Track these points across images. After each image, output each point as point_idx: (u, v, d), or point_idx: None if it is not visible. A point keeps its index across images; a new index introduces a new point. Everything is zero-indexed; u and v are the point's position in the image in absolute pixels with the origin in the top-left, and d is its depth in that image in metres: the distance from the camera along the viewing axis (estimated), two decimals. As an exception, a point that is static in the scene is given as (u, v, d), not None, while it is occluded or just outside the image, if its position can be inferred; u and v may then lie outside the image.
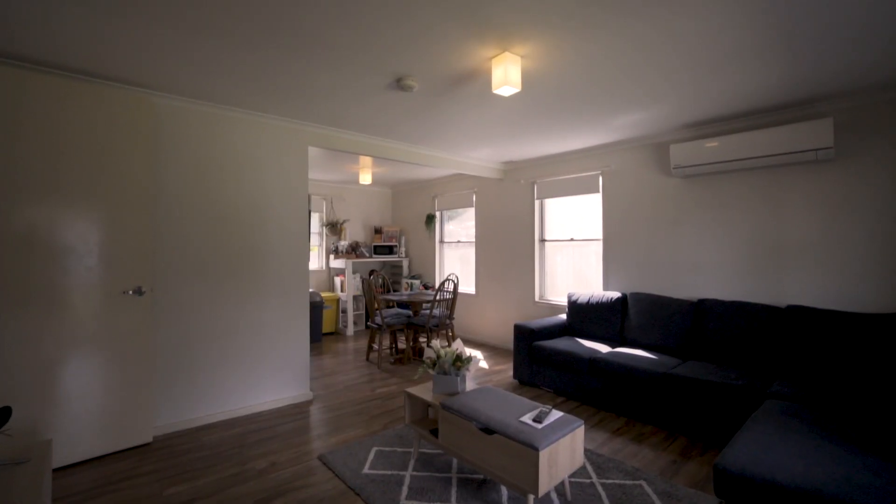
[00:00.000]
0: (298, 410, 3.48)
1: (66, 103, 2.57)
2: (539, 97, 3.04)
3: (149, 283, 2.83)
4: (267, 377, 3.50)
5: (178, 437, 2.97)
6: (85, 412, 2.61)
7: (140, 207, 2.81)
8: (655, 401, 3.19)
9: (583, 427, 2.21)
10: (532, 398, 3.77)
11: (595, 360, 3.52)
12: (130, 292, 2.76)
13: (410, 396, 2.65)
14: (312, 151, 4.67)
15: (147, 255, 2.83)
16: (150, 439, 2.84)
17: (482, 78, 2.70)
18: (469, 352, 2.52)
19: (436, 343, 2.68)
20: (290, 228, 3.65)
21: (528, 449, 1.97)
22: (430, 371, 2.63)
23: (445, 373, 2.58)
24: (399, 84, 2.77)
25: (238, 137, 3.36)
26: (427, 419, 2.75)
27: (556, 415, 2.21)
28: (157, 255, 3.00)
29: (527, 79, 2.70)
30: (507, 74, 2.37)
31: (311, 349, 5.54)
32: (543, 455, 1.95)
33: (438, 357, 2.59)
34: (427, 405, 2.77)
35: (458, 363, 2.55)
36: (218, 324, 3.25)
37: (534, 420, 2.12)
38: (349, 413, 3.43)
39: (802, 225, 3.29)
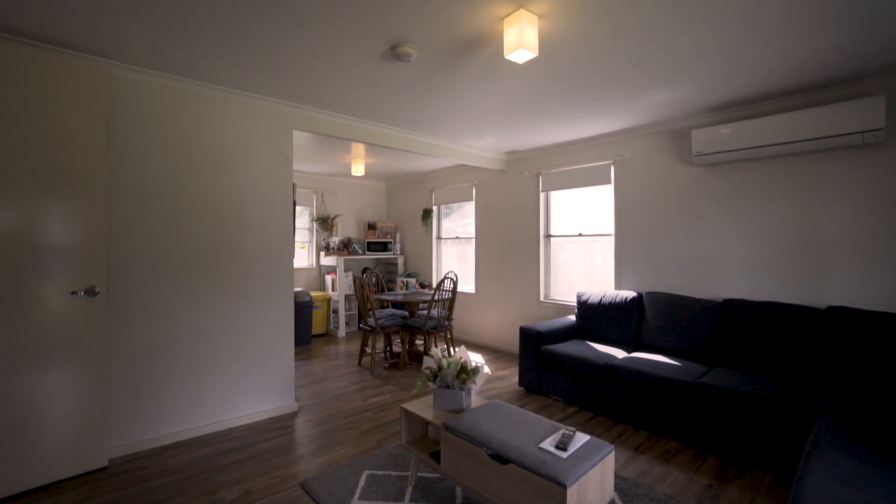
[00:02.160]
0: (281, 425, 3.10)
1: (5, 72, 2.17)
2: (555, 69, 2.68)
3: (104, 281, 2.44)
4: (245, 388, 3.12)
5: (138, 459, 2.59)
6: (23, 434, 2.22)
7: (93, 194, 2.41)
8: (681, 413, 2.85)
9: (613, 453, 1.86)
10: (540, 408, 3.42)
11: (612, 367, 3.18)
12: (81, 293, 2.36)
13: (407, 414, 2.29)
14: (299, 138, 4.28)
15: (102, 250, 2.44)
16: (104, 463, 2.45)
17: (491, 45, 2.34)
18: (474, 361, 2.15)
19: (436, 351, 2.31)
20: (273, 221, 3.27)
21: (552, 485, 1.61)
22: (430, 384, 2.26)
23: (448, 386, 2.22)
24: (394, 52, 2.40)
25: (211, 117, 2.97)
26: (426, 438, 2.39)
27: (581, 439, 1.85)
28: (116, 250, 2.61)
29: (543, 44, 2.34)
30: (522, 36, 2.00)
31: (299, 353, 5.16)
32: (572, 492, 1.59)
33: (440, 368, 2.23)
34: (427, 423, 2.40)
35: (464, 375, 2.19)
36: (188, 328, 2.87)
37: (557, 446, 1.77)
38: (338, 427, 3.06)
39: (844, 217, 2.95)
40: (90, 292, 2.38)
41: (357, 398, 3.64)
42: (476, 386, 2.25)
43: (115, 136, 2.61)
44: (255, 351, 3.17)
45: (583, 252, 4.60)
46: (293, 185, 3.39)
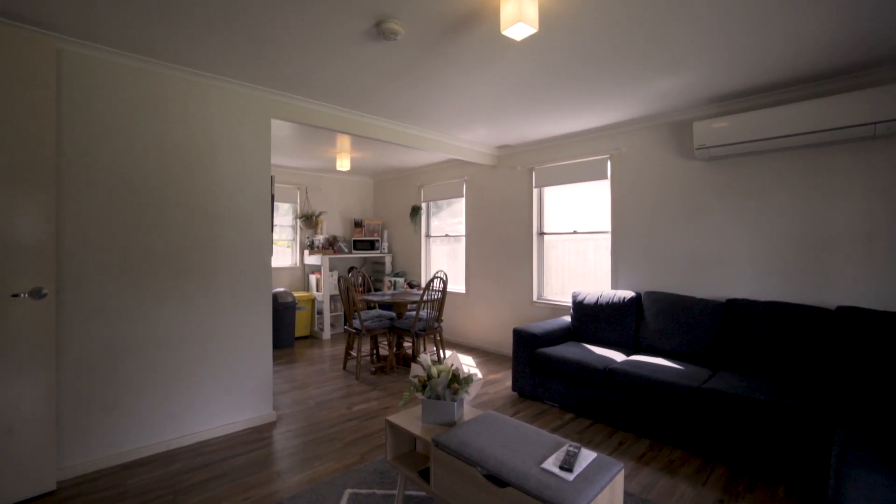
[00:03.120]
0: (257, 437, 2.87)
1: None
2: (552, 52, 2.49)
3: (53, 282, 2.18)
4: (218, 396, 2.87)
5: (93, 480, 2.33)
6: (-43, 455, 1.95)
7: (39, 182, 2.15)
8: (685, 420, 2.68)
9: (622, 473, 1.67)
10: (535, 415, 3.23)
11: (612, 372, 3.00)
12: (24, 295, 2.10)
13: (393, 427, 2.07)
14: (281, 130, 4.03)
15: (50, 247, 2.18)
16: (52, 487, 2.19)
17: (485, 22, 2.13)
18: (467, 367, 1.95)
19: (425, 358, 2.10)
20: (250, 217, 3.02)
21: (557, 513, 1.41)
22: (419, 395, 2.05)
23: (438, 397, 2.01)
24: (379, 29, 2.18)
25: (179, 103, 2.72)
26: (414, 453, 2.18)
27: (587, 457, 1.66)
28: (70, 246, 2.35)
29: (543, 21, 2.14)
30: (521, 8, 1.80)
31: (281, 356, 4.90)
32: (579, 522, 1.40)
33: (429, 377, 2.02)
34: (415, 437, 2.19)
35: (455, 385, 1.98)
36: (154, 332, 2.61)
37: (561, 467, 1.57)
38: (320, 439, 2.83)
39: (853, 213, 2.82)
40: (36, 294, 2.12)
41: (341, 405, 3.41)
42: (469, 396, 2.05)
43: (70, 120, 2.35)
44: (230, 356, 2.92)
45: (576, 250, 4.43)
46: (271, 177, 3.15)
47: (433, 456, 1.84)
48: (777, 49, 2.41)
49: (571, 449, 1.67)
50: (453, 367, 2.11)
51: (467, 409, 2.20)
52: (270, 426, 3.03)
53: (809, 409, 2.27)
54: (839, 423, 2.13)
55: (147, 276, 2.59)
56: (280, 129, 3.99)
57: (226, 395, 2.90)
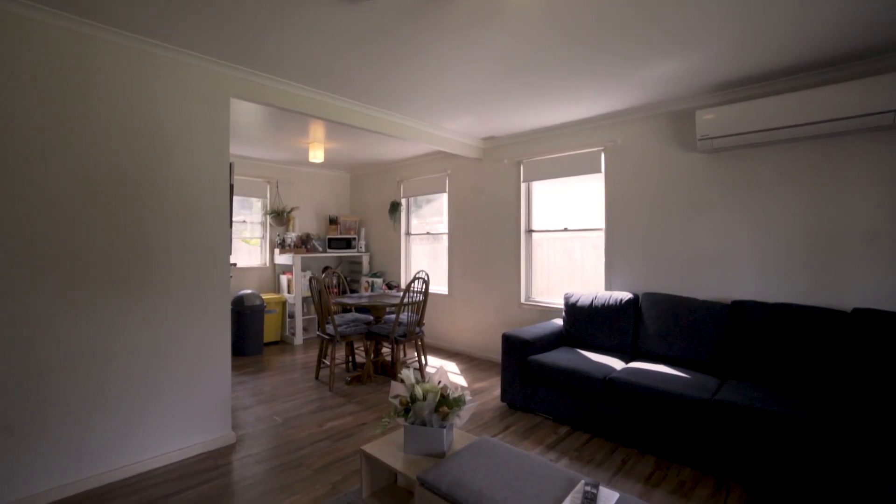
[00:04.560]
0: (211, 464, 2.47)
1: None
2: (544, 27, 2.19)
3: (-57, 287, 1.75)
4: (164, 418, 2.46)
5: (-1, 529, 1.91)
6: None
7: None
8: (695, 435, 2.43)
9: (650, 516, 1.38)
10: (528, 429, 2.94)
11: (613, 381, 2.73)
12: None
13: (369, 459, 1.73)
14: (246, 116, 3.62)
15: (-61, 243, 1.75)
16: (-60, 542, 1.77)
17: (478, -21, 1.81)
18: (455, 381, 1.63)
19: (408, 375, 1.77)
20: (205, 210, 2.63)
21: (580, 582, 1.11)
22: (400, 420, 1.72)
23: (424, 423, 1.69)
24: (353, -15, 1.83)
25: (118, 75, 2.30)
26: (395, 487, 1.85)
27: (609, 498, 1.36)
28: (-31, 243, 1.92)
29: (543, -17, 1.84)
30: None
31: (247, 365, 4.47)
32: None
33: (413, 399, 1.69)
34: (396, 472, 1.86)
35: (445, 408, 1.66)
36: (81, 348, 2.19)
37: (579, 515, 1.27)
38: (285, 465, 2.46)
39: (866, 207, 2.62)
40: (-82, 302, 1.69)
41: (312, 422, 3.04)
42: (461, 421, 1.72)
43: (-32, 89, 1.91)
44: (179, 371, 2.52)
45: (569, 249, 4.17)
46: (230, 164, 2.76)
47: (419, 496, 1.51)
48: (790, 29, 2.18)
49: (589, 490, 1.37)
50: (441, 386, 1.78)
51: (457, 431, 1.88)
52: (228, 450, 2.64)
53: (837, 424, 2.04)
54: (879, 442, 1.90)
55: (74, 283, 2.17)
56: (244, 113, 3.58)
57: (174, 416, 2.50)
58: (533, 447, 2.69)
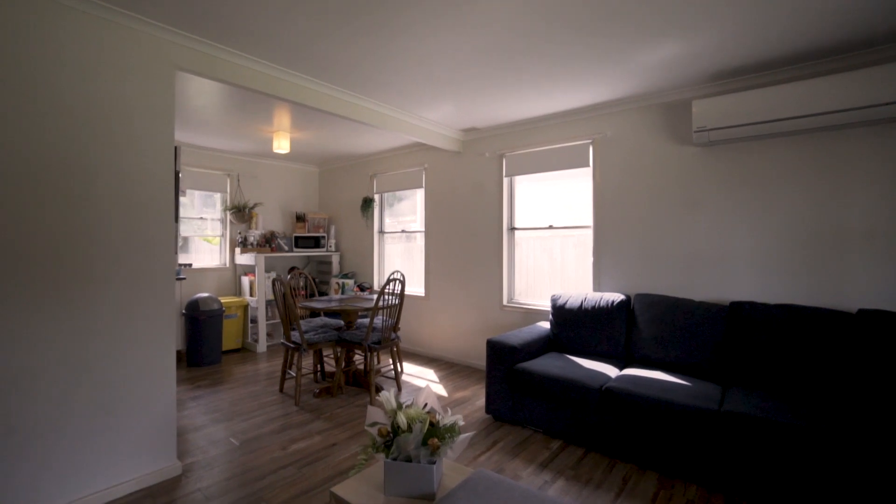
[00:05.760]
0: (150, 503, 2.08)
1: None
2: (530, 6, 1.93)
3: None
4: (92, 450, 2.05)
5: None
6: None
7: None
8: (700, 449, 2.23)
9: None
10: (517, 444, 2.68)
11: (611, 391, 2.50)
12: None
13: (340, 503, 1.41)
14: (199, 98, 3.19)
15: None
16: None
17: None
18: (450, 414, 1.33)
19: (387, 397, 1.47)
20: (145, 202, 2.22)
21: None
22: (380, 456, 1.41)
23: (409, 458, 1.38)
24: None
25: (40, 34, 1.88)
26: (373, 532, 1.53)
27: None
28: None
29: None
30: None
31: (204, 377, 4.03)
32: None
33: (395, 430, 1.38)
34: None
35: (435, 441, 1.36)
36: (-21, 367, 1.77)
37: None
38: (241, 502, 2.10)
39: (871, 204, 2.50)
40: None
41: (274, 444, 2.68)
42: (454, 454, 1.43)
43: None
44: (111, 391, 2.11)
45: (550, 247, 3.95)
46: (176, 148, 2.36)
47: (404, 555, 1.21)
48: (794, 13, 2.01)
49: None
50: (427, 409, 1.48)
51: (446, 462, 1.58)
52: (172, 484, 2.24)
53: (856, 437, 1.87)
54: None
55: (-32, 283, 1.74)
56: (198, 94, 3.16)
57: (103, 446, 2.09)
58: (525, 466, 2.42)
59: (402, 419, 1.38)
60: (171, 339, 2.32)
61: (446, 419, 1.45)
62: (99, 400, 2.07)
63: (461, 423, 1.49)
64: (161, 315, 2.28)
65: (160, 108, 2.28)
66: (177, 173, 2.38)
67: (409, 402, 1.54)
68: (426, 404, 1.52)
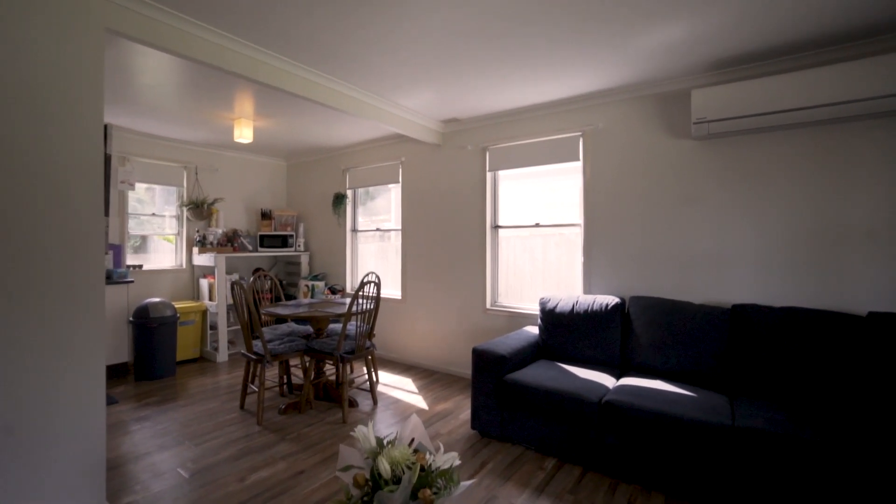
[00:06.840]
0: (68, 560, 1.69)
1: None
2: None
3: None
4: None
5: None
6: None
7: None
8: (711, 467, 2.02)
9: None
10: (508, 465, 2.42)
11: (611, 405, 2.27)
12: None
13: (306, 575, 1.09)
14: (147, 75, 2.77)
15: None
16: None
17: None
18: (442, 452, 1.04)
19: (364, 433, 1.17)
20: (67, 192, 1.83)
21: None
22: (357, 511, 1.10)
23: (394, 514, 1.08)
24: None
25: None
26: None
27: None
28: None
29: None
30: None
31: (154, 392, 3.58)
32: None
33: (376, 477, 1.08)
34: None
35: (427, 494, 1.06)
36: None
37: None
38: (184, 550, 1.74)
39: (880, 200, 2.37)
40: None
41: (231, 475, 2.31)
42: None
43: None
44: (19, 425, 1.71)
45: (536, 247, 3.71)
46: (105, 127, 1.97)
47: None
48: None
49: None
50: (415, 447, 1.19)
51: (437, 508, 1.28)
52: (101, 531, 1.86)
53: (880, 454, 1.70)
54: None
55: None
56: (144, 70, 2.74)
57: (14, 490, 1.68)
58: (519, 491, 2.16)
59: (383, 466, 1.07)
60: (99, 355, 1.93)
61: (439, 459, 1.16)
62: (13, 428, 1.67)
63: (457, 462, 1.20)
64: (85, 326, 1.89)
65: (87, 77, 1.89)
66: (107, 156, 1.99)
67: (391, 436, 1.24)
68: (413, 440, 1.22)
